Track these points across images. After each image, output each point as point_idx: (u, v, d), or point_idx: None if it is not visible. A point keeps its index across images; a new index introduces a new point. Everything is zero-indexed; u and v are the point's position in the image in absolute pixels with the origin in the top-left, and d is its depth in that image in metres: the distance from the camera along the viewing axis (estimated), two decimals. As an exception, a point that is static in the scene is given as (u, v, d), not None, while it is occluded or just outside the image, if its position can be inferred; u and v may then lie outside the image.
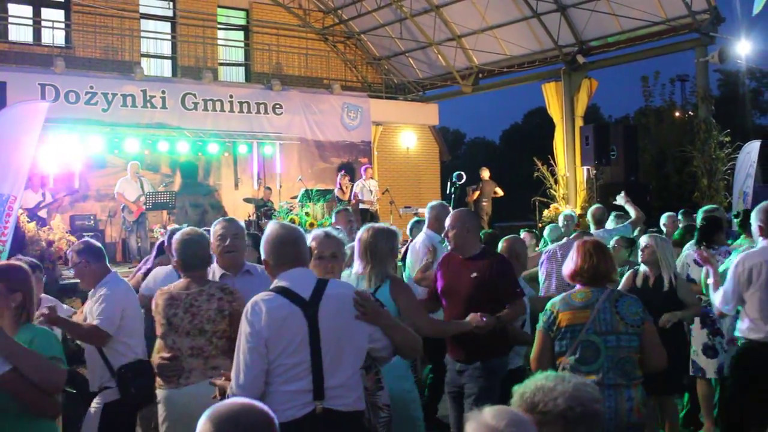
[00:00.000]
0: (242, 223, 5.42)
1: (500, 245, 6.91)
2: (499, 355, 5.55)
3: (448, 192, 8.49)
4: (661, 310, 6.23)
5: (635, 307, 4.55)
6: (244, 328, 3.70)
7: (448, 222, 5.70)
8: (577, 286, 4.67)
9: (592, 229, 9.97)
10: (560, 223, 10.52)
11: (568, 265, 4.71)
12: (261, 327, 3.65)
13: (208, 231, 5.51)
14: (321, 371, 3.70)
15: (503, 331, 5.50)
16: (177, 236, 5.10)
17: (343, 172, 18.61)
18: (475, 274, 5.48)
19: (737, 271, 5.64)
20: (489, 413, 2.24)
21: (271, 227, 4.05)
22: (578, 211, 17.68)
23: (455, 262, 5.69)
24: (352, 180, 18.32)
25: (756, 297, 5.56)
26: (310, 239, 4.27)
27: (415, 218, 9.48)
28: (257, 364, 3.64)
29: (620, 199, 10.30)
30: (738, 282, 5.62)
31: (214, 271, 5.27)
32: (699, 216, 8.24)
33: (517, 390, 2.57)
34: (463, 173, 8.30)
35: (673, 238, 8.11)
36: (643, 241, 6.71)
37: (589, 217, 10.41)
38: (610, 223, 10.31)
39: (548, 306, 4.69)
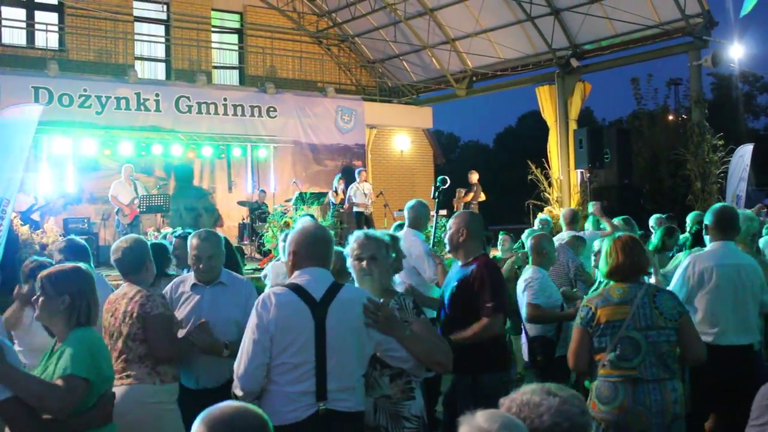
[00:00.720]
0: (218, 236, 5.24)
1: (528, 242, 7.05)
2: (493, 370, 5.15)
3: (432, 196, 8.49)
4: None
5: (672, 301, 4.58)
6: (252, 319, 3.75)
7: (449, 222, 5.50)
8: (612, 282, 4.65)
9: (564, 230, 10.02)
10: (536, 227, 10.55)
11: (605, 263, 4.68)
12: (268, 320, 3.70)
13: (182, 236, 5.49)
14: (325, 373, 3.71)
15: (496, 346, 5.19)
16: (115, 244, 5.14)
17: (340, 175, 18.64)
18: (456, 282, 5.27)
19: (687, 274, 5.62)
20: (482, 416, 2.24)
21: (306, 224, 4.13)
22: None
23: (455, 267, 5.52)
24: (347, 184, 18.34)
25: (705, 300, 5.54)
26: (351, 240, 4.29)
27: (396, 223, 9.52)
28: (259, 356, 3.68)
29: (591, 207, 10.30)
30: (687, 284, 5.61)
31: (188, 279, 5.23)
32: (689, 221, 8.26)
33: (503, 404, 2.52)
34: (447, 178, 8.27)
35: (652, 243, 8.12)
36: (596, 245, 6.72)
37: (561, 218, 10.45)
38: (589, 226, 10.44)
39: (584, 302, 4.69)
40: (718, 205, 5.94)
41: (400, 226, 8.35)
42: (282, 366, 3.69)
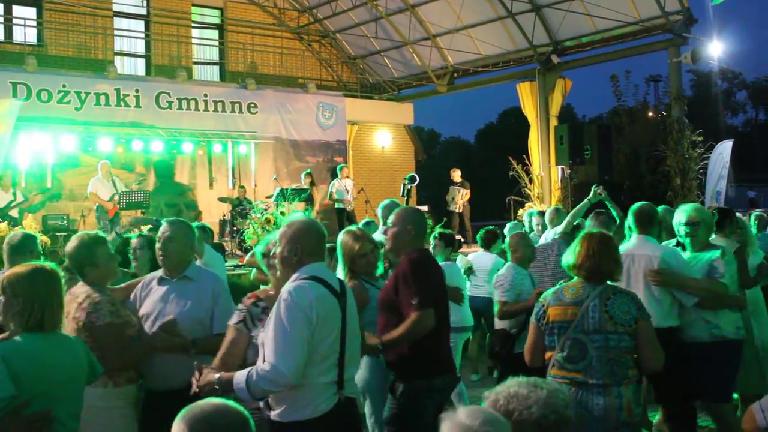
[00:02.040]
0: (186, 224, 5.05)
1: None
2: (420, 376, 4.84)
3: (401, 194, 8.41)
4: None
5: (628, 306, 4.39)
6: (290, 313, 3.70)
7: (390, 219, 5.13)
8: (574, 279, 4.55)
9: (548, 229, 10.04)
10: (525, 221, 10.55)
11: (569, 257, 4.56)
12: (310, 314, 3.72)
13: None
14: (344, 362, 3.86)
15: (420, 351, 4.79)
16: None
17: (308, 171, 18.36)
18: (386, 281, 5.12)
19: None
20: (463, 412, 2.25)
21: (303, 220, 4.14)
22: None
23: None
24: (314, 183, 18.07)
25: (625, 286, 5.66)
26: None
27: (364, 220, 9.52)
28: (306, 349, 3.71)
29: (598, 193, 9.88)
30: None
31: (159, 273, 5.03)
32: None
33: (488, 397, 2.56)
34: (416, 176, 8.22)
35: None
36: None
37: (546, 218, 10.40)
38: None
39: (540, 298, 4.61)
40: (638, 204, 6.11)
41: (368, 224, 8.32)
42: (316, 358, 3.75)
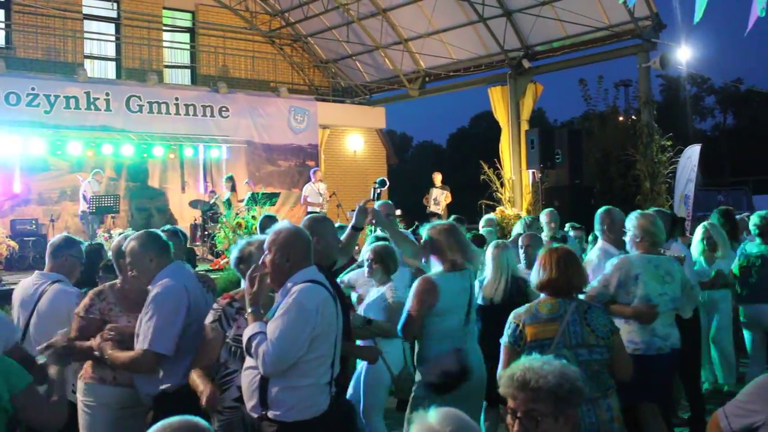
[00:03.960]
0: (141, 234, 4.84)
1: None
2: None
3: (371, 197, 8.31)
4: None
5: (604, 318, 4.40)
6: (297, 313, 3.85)
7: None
8: (542, 296, 4.44)
9: (545, 232, 10.03)
10: (482, 226, 10.61)
11: (537, 275, 4.46)
12: (317, 316, 3.88)
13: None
14: (334, 362, 4.03)
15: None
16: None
17: (229, 175, 18.22)
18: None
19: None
20: (434, 416, 2.25)
21: (290, 227, 4.20)
22: (523, 214, 17.85)
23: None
24: (234, 188, 17.76)
25: None
26: None
27: (337, 224, 9.51)
28: (298, 350, 3.83)
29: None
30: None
31: None
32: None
33: (505, 374, 2.67)
34: (386, 179, 8.18)
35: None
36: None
37: (542, 219, 10.38)
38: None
39: (512, 318, 4.41)
40: (603, 207, 6.15)
41: (341, 228, 8.27)
42: (318, 359, 3.90)
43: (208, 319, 4.35)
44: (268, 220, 8.50)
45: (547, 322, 4.29)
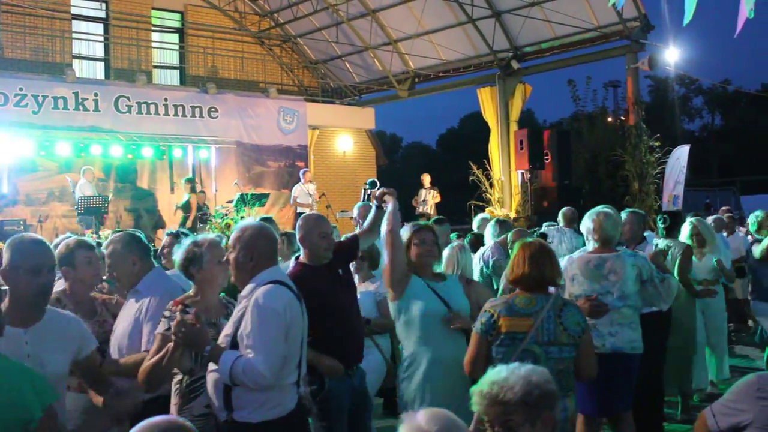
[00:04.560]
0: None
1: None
2: None
3: (362, 199, 8.31)
4: None
5: (577, 317, 4.36)
6: (268, 317, 3.79)
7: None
8: (518, 290, 4.41)
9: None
10: (475, 226, 10.61)
11: (511, 269, 4.44)
12: (286, 317, 3.85)
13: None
14: (302, 362, 4.03)
15: None
16: None
17: (189, 176, 18.20)
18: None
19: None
20: (423, 416, 2.26)
21: (255, 225, 4.16)
22: (513, 215, 17.90)
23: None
24: (194, 190, 17.58)
25: None
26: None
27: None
28: (284, 353, 3.84)
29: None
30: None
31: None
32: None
33: (475, 390, 2.65)
34: (377, 181, 8.19)
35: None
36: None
37: (560, 217, 10.42)
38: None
39: (488, 307, 4.37)
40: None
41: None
42: (287, 360, 3.87)
43: (160, 328, 4.09)
44: (265, 223, 8.50)
45: (523, 316, 4.27)
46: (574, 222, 10.26)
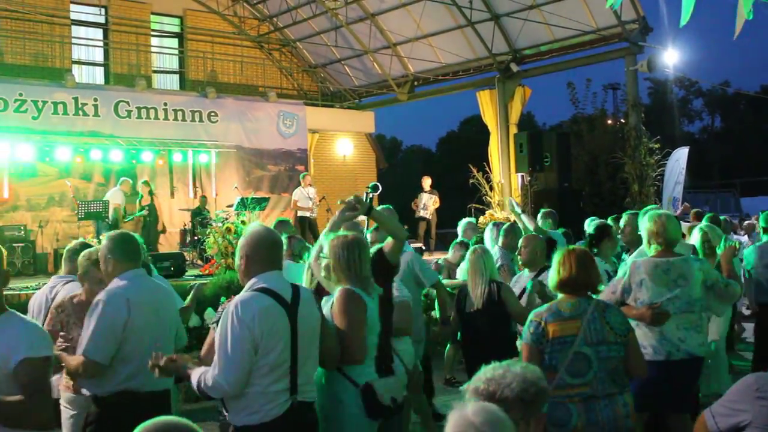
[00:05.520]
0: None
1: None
2: None
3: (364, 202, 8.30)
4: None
5: (621, 317, 4.52)
6: (233, 326, 3.80)
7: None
8: (560, 295, 4.55)
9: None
10: (460, 231, 10.63)
11: (557, 273, 4.55)
12: (253, 327, 3.80)
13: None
14: (296, 370, 3.95)
15: None
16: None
17: (144, 180, 17.97)
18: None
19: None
20: (471, 408, 2.30)
21: (256, 230, 4.17)
22: (512, 217, 17.88)
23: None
24: (152, 193, 17.38)
25: None
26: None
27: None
28: (247, 363, 3.80)
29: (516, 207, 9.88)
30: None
31: None
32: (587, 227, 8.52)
33: (468, 388, 2.67)
34: (378, 184, 8.18)
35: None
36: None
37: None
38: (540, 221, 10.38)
39: (532, 317, 4.49)
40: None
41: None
42: (264, 368, 3.84)
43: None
44: (281, 225, 8.72)
45: (569, 319, 4.39)
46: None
